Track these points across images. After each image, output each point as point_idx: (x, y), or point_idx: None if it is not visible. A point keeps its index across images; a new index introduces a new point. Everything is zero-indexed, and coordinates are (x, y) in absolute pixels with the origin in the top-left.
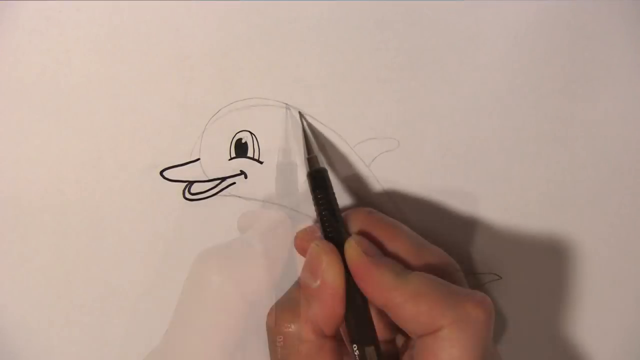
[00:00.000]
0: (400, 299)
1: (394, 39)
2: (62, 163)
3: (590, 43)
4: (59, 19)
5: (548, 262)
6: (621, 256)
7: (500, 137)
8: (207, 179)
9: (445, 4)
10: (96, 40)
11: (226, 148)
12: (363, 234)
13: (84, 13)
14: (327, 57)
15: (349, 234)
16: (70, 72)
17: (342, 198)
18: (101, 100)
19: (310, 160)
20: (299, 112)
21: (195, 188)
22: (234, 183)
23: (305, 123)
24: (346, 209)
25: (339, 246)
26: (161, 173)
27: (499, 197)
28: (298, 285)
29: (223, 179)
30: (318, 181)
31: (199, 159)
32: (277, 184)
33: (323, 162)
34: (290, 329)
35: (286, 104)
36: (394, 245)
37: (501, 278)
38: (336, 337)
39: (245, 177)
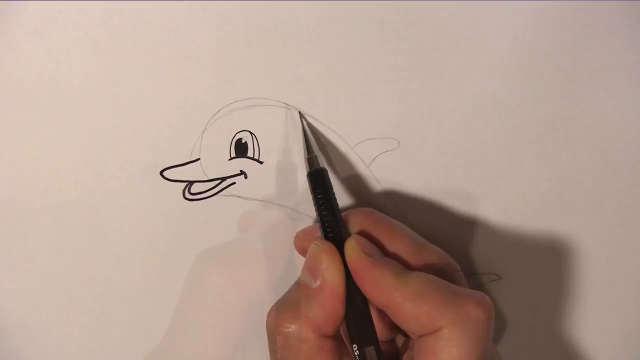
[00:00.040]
0: (401, 299)
1: (394, 39)
2: (62, 163)
3: (590, 43)
4: (58, 19)
5: (548, 262)
6: (621, 256)
7: (500, 137)
8: (207, 179)
9: (445, 4)
10: (96, 40)
11: (226, 148)
12: (363, 234)
13: (84, 13)
14: (327, 57)
15: (349, 234)
16: (70, 72)
17: (342, 198)
18: (101, 100)
19: (310, 160)
20: (299, 112)
21: (195, 188)
22: (234, 183)
23: (305, 123)
24: (346, 209)
25: (339, 246)
26: (161, 173)
27: (499, 197)
28: (298, 285)
29: (223, 179)
30: (318, 181)
31: (199, 159)
32: (277, 184)
33: (323, 162)
34: (290, 329)
35: (286, 104)
36: (394, 245)
37: (501, 278)
38: (336, 337)
39: (245, 177)
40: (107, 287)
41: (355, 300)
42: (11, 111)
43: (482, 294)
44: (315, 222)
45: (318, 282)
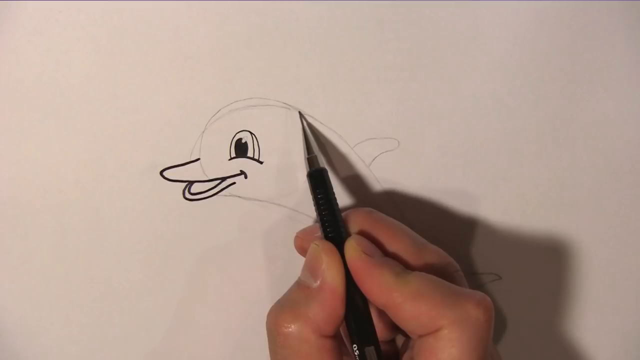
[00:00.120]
0: (400, 299)
1: (394, 39)
2: (62, 163)
3: (590, 43)
4: (58, 19)
5: (548, 262)
6: (621, 256)
7: (500, 137)
8: (207, 179)
9: (445, 4)
10: (96, 40)
11: (226, 148)
12: (363, 234)
13: (84, 13)
14: (327, 57)
15: (349, 234)
16: (70, 72)
17: (342, 198)
18: (101, 101)
19: (310, 160)
20: (299, 112)
21: (195, 188)
22: (234, 183)
23: (305, 123)
24: (346, 209)
25: (339, 246)
26: (161, 173)
27: (499, 197)
28: (298, 285)
29: (223, 179)
30: (318, 181)
31: (199, 159)
32: (277, 184)
33: (323, 162)
34: (290, 329)
35: (286, 103)
36: (394, 245)
37: (501, 278)
38: (336, 337)
39: (245, 177)
40: (107, 287)
41: (355, 300)
42: (11, 111)
43: (482, 294)
44: (315, 222)
45: (318, 282)
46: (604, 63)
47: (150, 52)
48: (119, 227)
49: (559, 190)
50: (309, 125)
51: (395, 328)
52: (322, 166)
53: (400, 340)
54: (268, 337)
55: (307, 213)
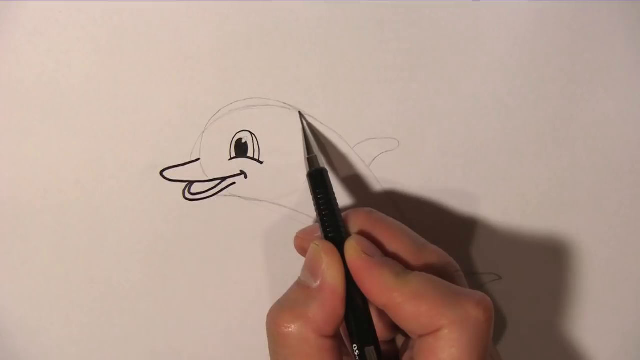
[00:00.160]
0: (401, 299)
1: (394, 39)
2: (62, 163)
3: (590, 43)
4: (58, 19)
5: (548, 262)
6: (621, 256)
7: (500, 137)
8: (207, 179)
9: (445, 4)
10: (96, 40)
11: (226, 148)
12: (363, 234)
13: (84, 13)
14: (327, 57)
15: (349, 234)
16: (70, 72)
17: (342, 198)
18: (101, 101)
19: (310, 160)
20: (299, 112)
21: (195, 188)
22: (234, 183)
23: (305, 123)
24: (346, 209)
25: (339, 246)
26: (161, 173)
27: (499, 197)
28: (298, 285)
29: (223, 179)
30: (318, 181)
31: (199, 159)
32: (277, 184)
33: (323, 162)
34: (290, 329)
35: (286, 103)
36: (394, 245)
37: (501, 278)
38: (336, 337)
39: (245, 177)
40: (107, 287)
41: (355, 300)
42: (11, 111)
43: (482, 294)
44: (315, 222)
45: (318, 282)
46: (604, 63)
47: (150, 52)
48: (119, 227)
49: (559, 190)
50: (309, 125)
51: (395, 328)
52: (322, 166)
53: (400, 340)
54: (268, 337)
55: (307, 213)
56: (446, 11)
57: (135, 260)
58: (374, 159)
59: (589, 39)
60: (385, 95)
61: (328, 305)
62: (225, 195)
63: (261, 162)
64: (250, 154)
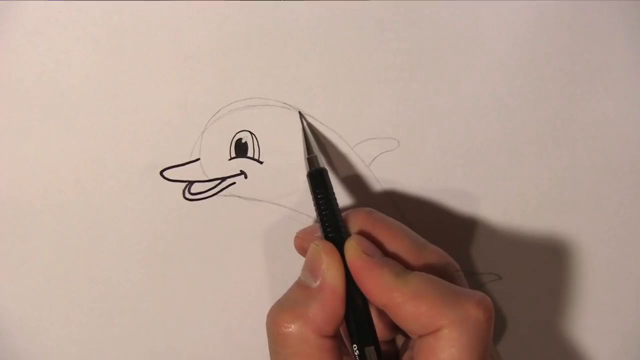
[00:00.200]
0: (401, 299)
1: (394, 39)
2: (62, 163)
3: (590, 43)
4: (58, 19)
5: (548, 262)
6: (621, 256)
7: (500, 137)
8: (207, 179)
9: (445, 4)
10: (96, 40)
11: (226, 148)
12: (363, 234)
13: (84, 13)
14: (327, 57)
15: (349, 234)
16: (70, 72)
17: (342, 198)
18: (101, 101)
19: (310, 160)
20: (299, 112)
21: (195, 188)
22: (234, 183)
23: (305, 123)
24: (346, 209)
25: (339, 246)
26: (161, 173)
27: (499, 197)
28: (298, 285)
29: (223, 179)
30: (318, 181)
31: (199, 159)
32: (277, 184)
33: (323, 162)
34: (290, 329)
35: (286, 103)
36: (394, 245)
37: (501, 278)
38: (336, 337)
39: (245, 177)
40: (107, 287)
41: (355, 300)
42: (11, 111)
43: (482, 294)
44: (315, 222)
45: (318, 282)
46: (604, 63)
47: (150, 52)
48: (119, 227)
49: (559, 190)
50: (309, 125)
51: (395, 328)
52: (322, 166)
53: (400, 340)
54: (268, 337)
55: (307, 213)
56: (446, 11)
57: (135, 260)
58: (374, 159)
59: (589, 39)
60: (385, 95)
61: (328, 305)
62: (225, 195)
63: (261, 162)
64: (250, 154)
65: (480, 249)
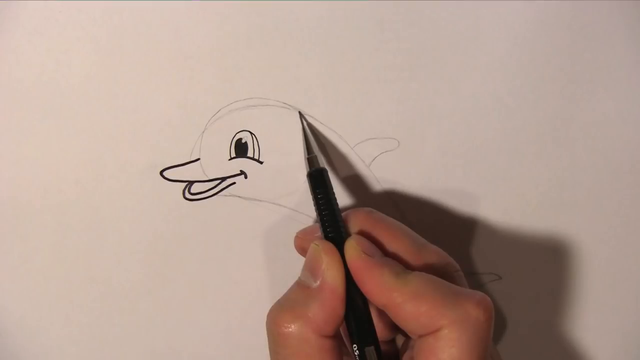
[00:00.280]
0: (401, 299)
1: (394, 39)
2: (62, 163)
3: (590, 43)
4: (58, 19)
5: (548, 262)
6: (621, 256)
7: (500, 137)
8: (207, 179)
9: (445, 4)
10: (96, 40)
11: (226, 148)
12: (363, 234)
13: (84, 13)
14: (327, 57)
15: (349, 234)
16: (70, 72)
17: (342, 198)
18: (101, 101)
19: (310, 160)
20: (299, 112)
21: (195, 188)
22: (234, 183)
23: (305, 123)
24: (346, 209)
25: (339, 246)
26: (161, 173)
27: (499, 197)
28: (298, 285)
29: (223, 179)
30: (318, 181)
31: (199, 159)
32: (277, 184)
33: (323, 162)
34: (290, 329)
35: (286, 103)
36: (394, 245)
37: (501, 278)
38: (336, 337)
39: (245, 177)
40: (107, 287)
41: (355, 300)
42: (11, 111)
43: (482, 294)
44: (315, 222)
45: (318, 282)
46: (604, 63)
47: (150, 52)
48: (119, 227)
49: (559, 190)
50: (309, 125)
51: (395, 328)
52: (322, 166)
53: (400, 340)
54: (268, 337)
55: (307, 213)
56: (446, 11)
57: (135, 260)
58: (374, 159)
59: (589, 39)
60: (385, 95)
61: (328, 305)
62: (225, 195)
63: (261, 162)
64: (250, 154)
65: (480, 249)
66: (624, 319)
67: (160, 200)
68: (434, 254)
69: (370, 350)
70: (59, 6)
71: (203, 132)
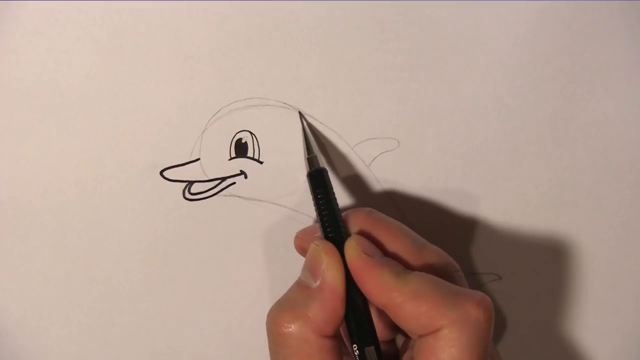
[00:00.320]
0: (401, 299)
1: (394, 39)
2: (62, 163)
3: (590, 43)
4: (58, 19)
5: (548, 262)
6: (621, 256)
7: (500, 137)
8: (207, 179)
9: (445, 4)
10: (96, 40)
11: (226, 148)
12: (363, 234)
13: (84, 13)
14: (327, 57)
15: (349, 234)
16: (70, 72)
17: (342, 198)
18: (101, 101)
19: (310, 160)
20: (299, 112)
21: (195, 188)
22: (234, 183)
23: (305, 123)
24: (346, 209)
25: (339, 246)
26: (161, 173)
27: (499, 197)
28: (298, 285)
29: (223, 179)
30: (318, 181)
31: (199, 159)
32: (277, 184)
33: (323, 162)
34: (290, 329)
35: (286, 103)
36: (394, 245)
37: (501, 278)
38: (336, 337)
39: (245, 177)
40: (107, 287)
41: (355, 300)
42: (11, 111)
43: (482, 294)
44: (315, 222)
45: (318, 282)
46: (604, 63)
47: (150, 52)
48: (119, 227)
49: (559, 190)
50: (309, 125)
51: (395, 328)
52: (322, 166)
53: (400, 340)
54: (268, 337)
55: (307, 213)
56: (446, 11)
57: (135, 260)
58: (374, 159)
59: (589, 39)
60: (385, 95)
61: (328, 305)
62: (225, 195)
63: (261, 162)
64: (250, 154)
65: (480, 249)
66: (624, 319)
67: (160, 200)
68: (434, 254)
69: (370, 350)
70: (59, 6)
71: (203, 132)
